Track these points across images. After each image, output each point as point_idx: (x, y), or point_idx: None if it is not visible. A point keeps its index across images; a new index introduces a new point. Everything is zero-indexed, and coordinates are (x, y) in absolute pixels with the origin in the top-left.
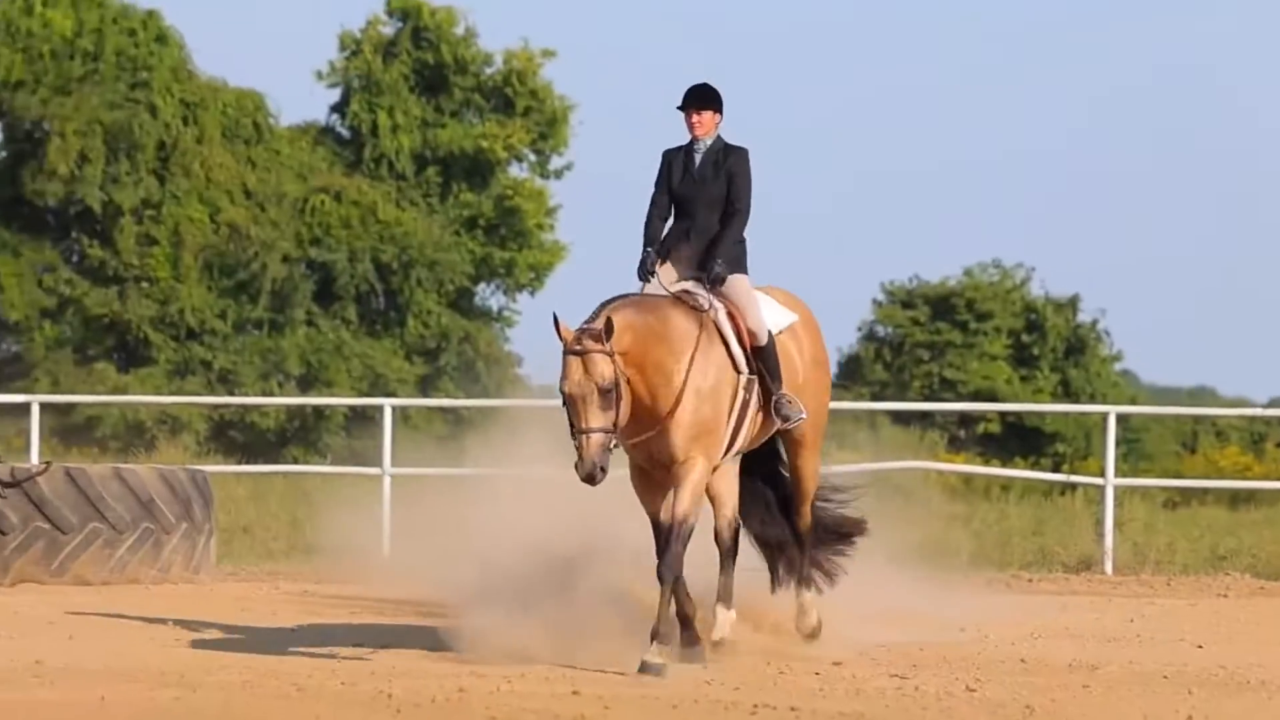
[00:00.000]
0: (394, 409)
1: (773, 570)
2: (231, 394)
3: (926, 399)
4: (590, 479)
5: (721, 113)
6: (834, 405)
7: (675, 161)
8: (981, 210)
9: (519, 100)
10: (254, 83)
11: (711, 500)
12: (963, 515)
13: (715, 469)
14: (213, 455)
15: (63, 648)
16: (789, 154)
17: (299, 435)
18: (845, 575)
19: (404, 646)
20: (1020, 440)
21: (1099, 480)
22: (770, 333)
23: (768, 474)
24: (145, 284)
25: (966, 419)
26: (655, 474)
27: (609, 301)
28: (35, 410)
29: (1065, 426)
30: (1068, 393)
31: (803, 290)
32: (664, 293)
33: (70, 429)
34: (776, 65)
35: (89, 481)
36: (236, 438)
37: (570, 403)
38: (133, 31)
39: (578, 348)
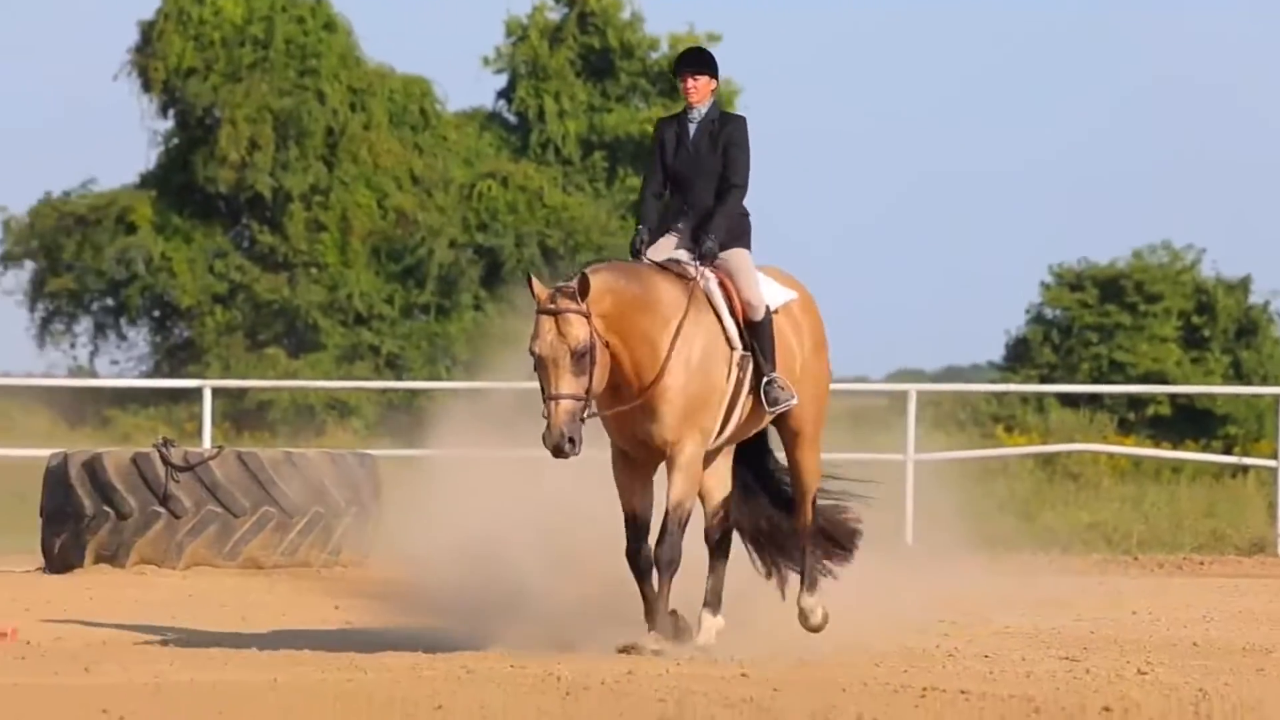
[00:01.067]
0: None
1: (771, 574)
2: (399, 378)
3: (1095, 381)
4: (558, 450)
5: (717, 79)
6: (1005, 387)
7: (668, 133)
8: (1151, 191)
9: None
10: (421, 69)
11: (700, 496)
12: (1133, 498)
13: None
14: (381, 439)
15: (235, 630)
16: (958, 136)
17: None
18: (836, 578)
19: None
20: (1191, 423)
21: (1271, 463)
22: (767, 308)
23: (759, 469)
24: (314, 269)
25: (1136, 401)
26: (638, 459)
27: (589, 264)
28: (207, 395)
29: (1237, 409)
30: (1239, 375)
31: (972, 273)
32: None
33: (241, 414)
34: (942, 45)
35: (260, 465)
36: (404, 421)
37: (540, 365)
38: (301, 19)
39: (551, 306)
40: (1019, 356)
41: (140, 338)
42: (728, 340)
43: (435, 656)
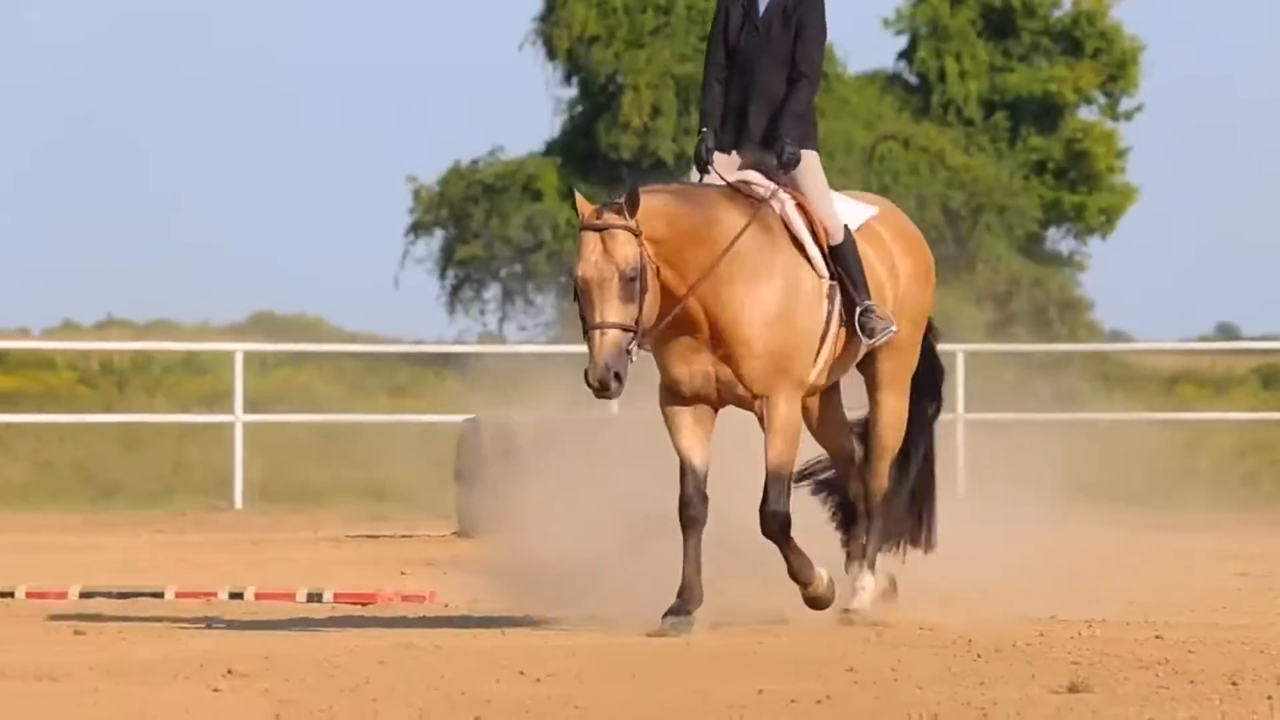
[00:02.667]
0: (965, 354)
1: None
2: None
3: None
4: (603, 386)
5: None
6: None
7: (734, 6)
8: None
9: (1088, 42)
10: None
11: (833, 460)
12: None
13: (815, 417)
14: None
15: None
16: None
17: None
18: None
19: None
20: None
21: None
22: (847, 228)
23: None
24: None
25: None
26: (692, 401)
27: (646, 185)
28: None
29: None
30: None
31: None
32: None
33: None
34: None
35: None
36: None
37: (583, 289)
38: None
39: (596, 222)
40: None
41: (547, 304)
42: (814, 269)
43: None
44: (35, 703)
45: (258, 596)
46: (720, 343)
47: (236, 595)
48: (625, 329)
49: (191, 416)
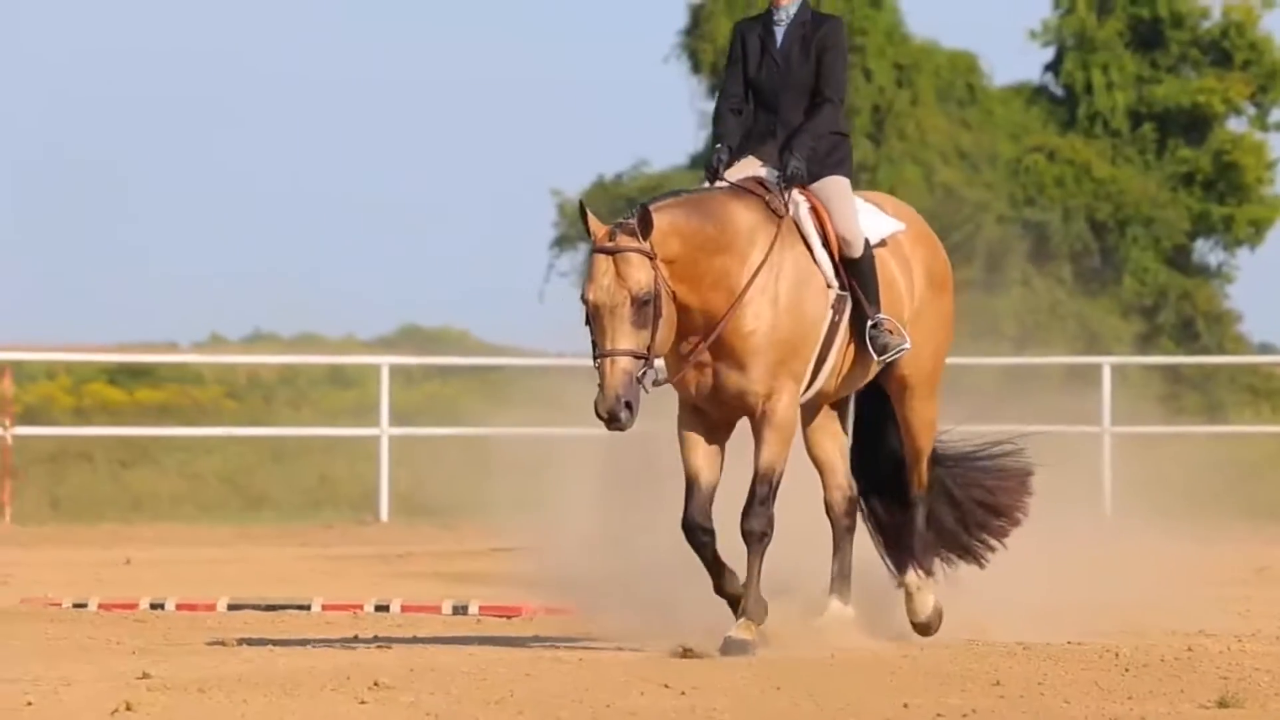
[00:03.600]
0: (1112, 368)
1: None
2: None
3: None
4: (613, 417)
5: None
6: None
7: (750, 37)
8: None
9: (1237, 53)
10: (967, 43)
11: (818, 468)
12: None
13: (812, 423)
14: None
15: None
16: None
17: (1017, 395)
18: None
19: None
20: None
21: None
22: (867, 242)
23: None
24: None
25: None
26: (714, 417)
27: (654, 200)
28: None
29: None
30: None
31: None
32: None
33: None
34: None
35: None
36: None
37: (594, 314)
38: None
39: (609, 244)
40: None
41: None
42: (821, 273)
43: (985, 633)
44: (186, 714)
45: (403, 609)
46: (723, 340)
47: (382, 608)
48: (637, 356)
49: (338, 430)
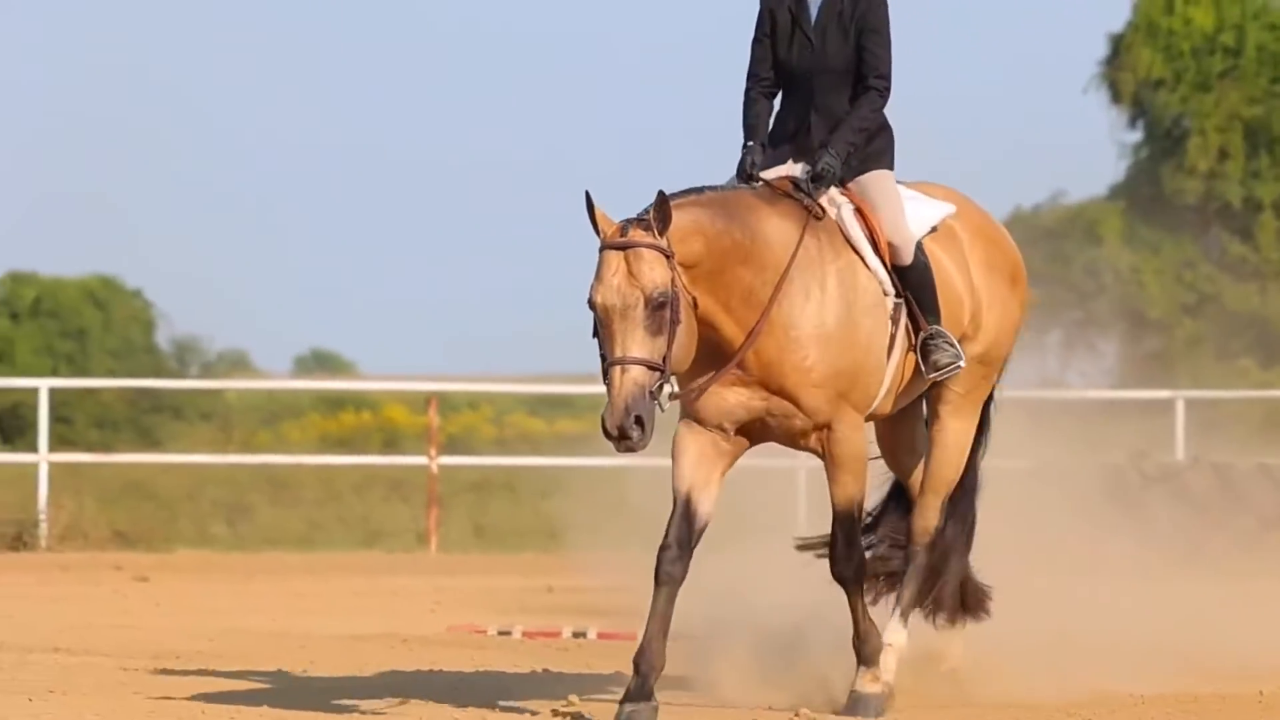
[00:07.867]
0: None
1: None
2: None
3: None
4: (622, 435)
5: None
6: None
7: (780, 12)
8: None
9: None
10: None
11: (906, 490)
12: None
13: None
14: None
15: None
16: None
17: None
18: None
19: None
20: None
21: None
22: (920, 247)
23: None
24: None
25: None
26: (720, 439)
27: (674, 195)
28: (1180, 406)
29: None
30: None
31: None
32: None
33: (1211, 424)
34: None
35: (1234, 477)
36: None
37: (603, 318)
38: (1274, 26)
39: (620, 240)
40: None
41: (1109, 349)
42: (875, 279)
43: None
44: None
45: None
46: (771, 373)
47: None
48: (651, 366)
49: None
